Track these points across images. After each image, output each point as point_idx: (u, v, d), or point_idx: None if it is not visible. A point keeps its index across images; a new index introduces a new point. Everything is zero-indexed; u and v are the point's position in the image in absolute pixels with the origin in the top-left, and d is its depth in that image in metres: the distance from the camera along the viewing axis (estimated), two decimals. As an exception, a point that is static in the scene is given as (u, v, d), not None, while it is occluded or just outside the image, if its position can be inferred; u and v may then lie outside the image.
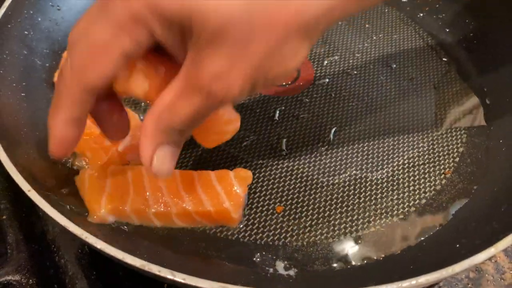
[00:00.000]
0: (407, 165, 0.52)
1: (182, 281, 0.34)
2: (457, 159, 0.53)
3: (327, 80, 0.61)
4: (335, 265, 0.44)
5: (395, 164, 0.52)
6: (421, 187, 0.51)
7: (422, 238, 0.46)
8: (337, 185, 0.50)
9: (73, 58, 0.33)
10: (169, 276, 0.34)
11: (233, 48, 0.29)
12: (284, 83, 0.60)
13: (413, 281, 0.35)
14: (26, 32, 0.58)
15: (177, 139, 0.35)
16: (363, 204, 0.49)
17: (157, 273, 0.34)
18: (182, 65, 0.31)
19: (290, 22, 0.29)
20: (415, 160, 0.53)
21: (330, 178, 0.51)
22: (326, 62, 0.64)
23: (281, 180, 0.50)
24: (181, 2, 0.28)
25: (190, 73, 0.31)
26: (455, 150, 0.54)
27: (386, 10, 0.73)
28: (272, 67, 0.31)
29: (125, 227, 0.45)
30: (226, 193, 0.45)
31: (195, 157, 0.52)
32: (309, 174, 0.51)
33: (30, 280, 0.44)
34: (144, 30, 0.30)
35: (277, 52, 0.30)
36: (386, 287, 0.34)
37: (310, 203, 0.49)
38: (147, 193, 0.44)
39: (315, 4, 0.30)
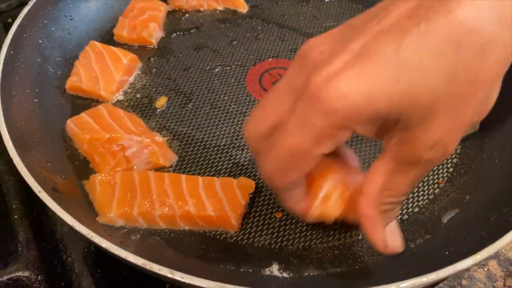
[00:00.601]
0: (401, 174, 0.54)
1: (180, 279, 0.36)
2: (450, 169, 0.55)
3: (326, 91, 0.64)
4: (328, 269, 0.45)
5: (390, 173, 0.54)
6: (414, 195, 0.52)
7: (413, 245, 0.48)
8: (333, 192, 0.52)
9: (271, 158, 0.34)
10: (169, 275, 0.36)
11: (447, 116, 0.30)
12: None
13: (402, 284, 0.37)
14: (40, 41, 0.61)
15: (396, 214, 0.38)
16: (357, 211, 0.51)
17: (158, 271, 0.36)
18: (387, 149, 0.34)
19: (493, 72, 0.30)
20: (410, 169, 0.55)
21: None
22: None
23: (279, 187, 0.52)
24: (390, 103, 0.29)
25: (400, 152, 0.33)
26: (449, 160, 0.56)
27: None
28: (481, 114, 0.33)
29: (131, 229, 0.47)
30: (228, 200, 0.47)
31: (202, 162, 0.54)
32: (307, 181, 0.53)
33: (39, 277, 0.46)
34: (347, 132, 0.31)
35: (485, 101, 0.32)
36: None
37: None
38: (154, 196, 0.46)
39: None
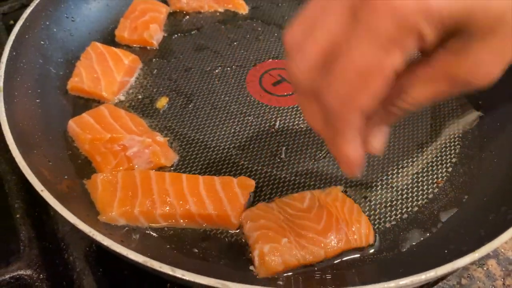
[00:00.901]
0: (400, 173, 0.55)
1: (181, 276, 0.36)
2: (450, 169, 0.55)
3: (326, 91, 0.64)
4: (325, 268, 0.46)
5: (389, 173, 0.55)
6: (413, 195, 0.53)
7: (413, 243, 0.48)
8: (333, 191, 0.52)
9: (338, 84, 0.30)
10: (170, 272, 0.37)
11: (504, 39, 0.30)
12: (285, 94, 0.63)
13: (402, 282, 0.37)
14: (42, 42, 0.62)
15: (393, 121, 0.37)
16: (357, 210, 0.51)
17: (159, 268, 0.37)
18: (431, 56, 0.32)
19: None
20: (409, 169, 0.55)
21: (327, 185, 0.53)
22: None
23: (279, 186, 0.53)
24: (463, 3, 0.27)
25: (446, 63, 0.32)
26: (448, 160, 0.56)
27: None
28: None
29: (132, 227, 0.47)
30: (228, 199, 0.47)
31: (203, 162, 0.55)
32: (306, 181, 0.53)
33: (41, 275, 0.46)
34: (415, 39, 0.28)
35: None
36: (373, 287, 0.36)
37: (307, 208, 0.51)
38: (155, 195, 0.47)
39: None
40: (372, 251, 0.47)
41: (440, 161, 0.56)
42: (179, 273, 0.36)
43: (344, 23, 0.29)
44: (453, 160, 0.56)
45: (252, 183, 0.50)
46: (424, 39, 0.28)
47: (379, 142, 0.37)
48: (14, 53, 0.56)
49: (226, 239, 0.48)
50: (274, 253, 0.43)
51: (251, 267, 0.44)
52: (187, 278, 0.36)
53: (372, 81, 0.29)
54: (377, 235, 0.48)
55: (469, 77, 0.32)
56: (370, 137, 0.37)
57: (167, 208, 0.46)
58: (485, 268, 0.54)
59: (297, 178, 0.54)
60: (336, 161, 0.55)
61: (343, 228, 0.45)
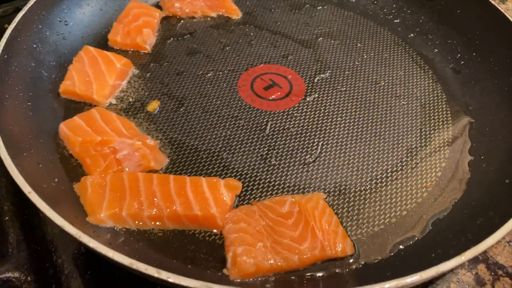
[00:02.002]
0: (390, 178, 0.55)
1: (167, 279, 0.36)
2: (439, 174, 0.56)
3: (317, 95, 0.64)
4: (314, 272, 0.46)
5: (378, 177, 0.55)
6: (402, 199, 0.53)
7: (401, 247, 0.48)
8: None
9: None
10: (155, 274, 0.37)
11: None
12: (276, 98, 0.63)
13: (386, 285, 0.37)
14: (34, 45, 0.62)
15: None
16: (346, 214, 0.51)
17: (144, 271, 0.37)
18: None
19: None
20: (398, 173, 0.55)
21: (316, 190, 0.53)
22: (317, 78, 0.67)
23: (269, 189, 0.53)
24: None
25: None
26: (438, 165, 0.57)
27: (378, 30, 0.76)
28: None
29: (121, 230, 0.47)
30: (214, 200, 0.47)
31: (193, 166, 0.55)
32: (296, 185, 0.54)
33: (29, 278, 0.46)
34: None
35: None
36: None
37: (296, 212, 0.51)
38: (142, 197, 0.47)
39: None
40: (351, 260, 0.47)
41: (429, 166, 0.57)
42: (165, 276, 0.36)
43: None
44: (443, 164, 0.57)
45: (239, 184, 0.51)
46: None
47: None
48: (6, 56, 0.56)
49: (214, 242, 0.48)
50: (246, 255, 0.43)
51: (224, 270, 0.44)
52: (172, 281, 0.36)
53: None
54: (355, 244, 0.48)
55: None
56: None
57: (154, 210, 0.46)
58: (474, 273, 0.54)
59: (286, 181, 0.54)
60: (325, 165, 0.55)
61: (319, 238, 0.46)
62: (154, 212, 0.46)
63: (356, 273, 0.46)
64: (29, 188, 0.42)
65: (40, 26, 0.64)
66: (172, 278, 0.36)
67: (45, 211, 0.41)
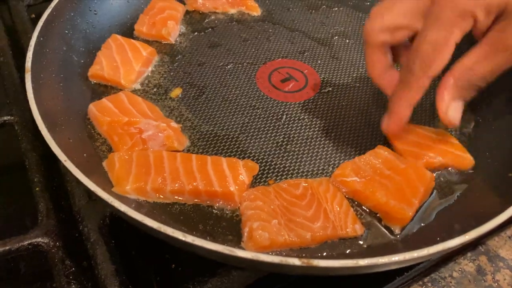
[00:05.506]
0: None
1: (192, 242, 0.39)
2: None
3: (331, 89, 0.68)
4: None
5: (388, 167, 0.57)
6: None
7: (407, 234, 0.51)
8: (334, 181, 0.55)
9: (422, 56, 0.46)
10: (181, 238, 0.39)
11: None
12: (292, 90, 0.67)
13: (394, 258, 0.40)
14: (66, 31, 0.66)
15: (467, 95, 0.49)
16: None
17: (171, 234, 0.40)
18: (484, 37, 0.45)
19: None
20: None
21: (328, 175, 0.56)
22: (333, 74, 0.70)
23: (284, 173, 0.56)
24: None
25: (496, 39, 0.44)
26: (445, 158, 0.59)
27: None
28: None
29: (144, 201, 0.50)
30: (233, 178, 0.50)
31: (212, 148, 0.58)
32: (309, 171, 0.56)
33: (57, 243, 0.49)
34: (471, 21, 0.44)
35: None
36: (370, 260, 0.39)
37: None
38: (166, 173, 0.50)
39: None
40: (361, 242, 0.49)
41: (436, 159, 0.59)
42: (190, 239, 0.39)
43: (418, 13, 0.47)
44: (449, 158, 0.59)
45: (256, 166, 0.54)
46: (477, 20, 0.44)
47: (455, 113, 0.50)
48: (41, 39, 0.59)
49: (232, 219, 0.50)
50: (262, 229, 0.45)
51: (241, 244, 0.47)
52: (197, 243, 0.39)
53: (443, 54, 0.45)
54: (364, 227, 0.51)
55: None
56: (449, 110, 0.49)
57: (177, 184, 0.49)
58: (476, 264, 0.56)
59: (300, 167, 0.57)
60: (337, 155, 0.58)
61: (330, 218, 0.49)
62: (176, 187, 0.49)
63: (365, 254, 0.48)
64: (64, 156, 0.46)
65: (72, 14, 0.67)
66: (197, 241, 0.39)
67: (79, 177, 0.44)
